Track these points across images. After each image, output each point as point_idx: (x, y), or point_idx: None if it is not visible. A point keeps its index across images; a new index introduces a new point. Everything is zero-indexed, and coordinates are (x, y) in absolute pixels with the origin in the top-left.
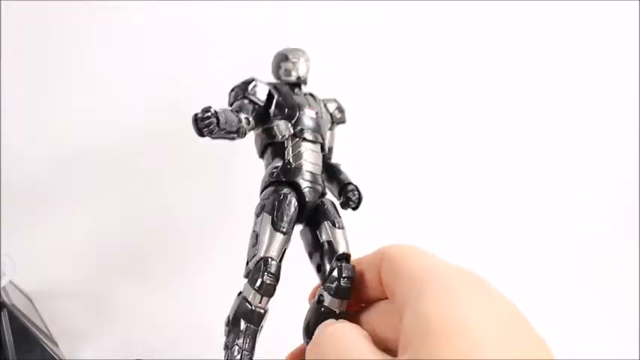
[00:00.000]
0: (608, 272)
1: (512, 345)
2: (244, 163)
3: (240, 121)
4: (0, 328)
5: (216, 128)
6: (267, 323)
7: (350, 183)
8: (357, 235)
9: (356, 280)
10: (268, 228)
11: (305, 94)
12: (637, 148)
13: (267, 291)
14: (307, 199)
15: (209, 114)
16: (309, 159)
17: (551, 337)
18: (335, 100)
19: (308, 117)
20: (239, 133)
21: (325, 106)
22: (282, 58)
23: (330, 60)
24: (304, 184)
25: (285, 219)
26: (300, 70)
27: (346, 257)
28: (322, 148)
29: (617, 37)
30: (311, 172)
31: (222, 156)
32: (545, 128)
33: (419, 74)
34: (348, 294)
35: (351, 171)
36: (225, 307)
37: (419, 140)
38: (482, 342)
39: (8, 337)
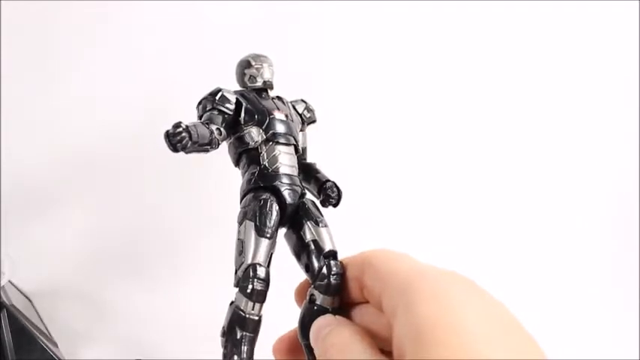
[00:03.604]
0: (608, 272)
1: (506, 345)
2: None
3: (212, 132)
4: (0, 328)
5: (189, 142)
6: (266, 324)
7: (328, 180)
8: (344, 235)
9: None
10: (253, 234)
11: (272, 98)
12: (637, 148)
13: (259, 297)
14: (288, 202)
15: (181, 129)
16: (285, 162)
17: (552, 337)
18: (302, 101)
19: (278, 120)
20: (212, 144)
21: (294, 107)
22: (245, 65)
23: (322, 60)
24: (283, 187)
25: (268, 224)
26: (264, 74)
27: (333, 254)
28: (296, 150)
29: (617, 37)
30: (288, 175)
31: (219, 157)
32: (545, 127)
33: (407, 74)
34: (339, 290)
35: (337, 171)
36: (225, 307)
37: (409, 140)
38: (478, 344)
39: (8, 337)
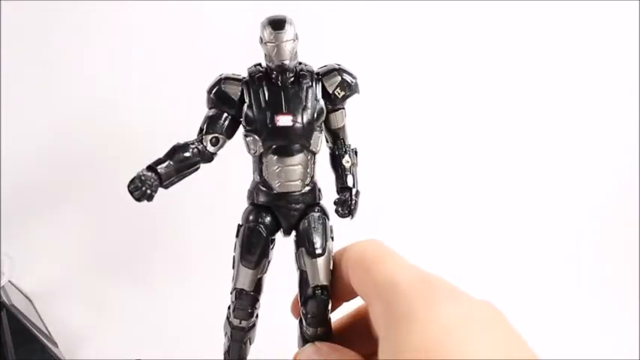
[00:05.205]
0: (608, 272)
1: (496, 347)
2: (243, 163)
3: (198, 153)
4: (0, 328)
5: (155, 193)
6: (268, 324)
7: (342, 188)
8: (343, 224)
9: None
10: (237, 259)
11: (288, 85)
12: (637, 147)
13: (242, 317)
14: (283, 226)
15: (134, 185)
16: (286, 178)
17: (552, 337)
18: (338, 72)
19: (281, 129)
20: (203, 160)
21: (323, 86)
22: (260, 40)
23: (328, 55)
24: (279, 210)
25: (251, 256)
26: (280, 54)
27: (321, 290)
28: (310, 151)
29: (617, 36)
30: (286, 193)
31: (222, 156)
32: (545, 124)
33: (406, 71)
34: (320, 324)
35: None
36: (225, 307)
37: (412, 135)
38: (466, 345)
39: (8, 337)
